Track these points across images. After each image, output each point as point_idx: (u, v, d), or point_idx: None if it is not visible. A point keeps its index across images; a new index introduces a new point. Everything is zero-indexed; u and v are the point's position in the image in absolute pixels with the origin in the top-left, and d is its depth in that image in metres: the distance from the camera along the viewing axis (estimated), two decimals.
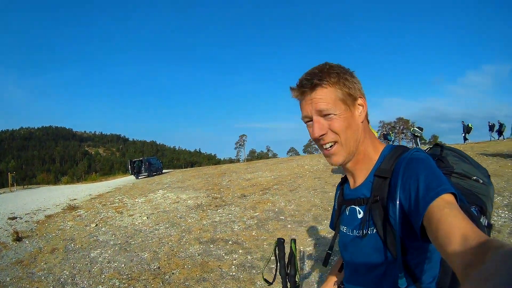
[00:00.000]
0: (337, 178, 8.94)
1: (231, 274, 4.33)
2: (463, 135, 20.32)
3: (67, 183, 31.40)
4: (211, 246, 5.36)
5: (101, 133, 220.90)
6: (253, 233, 5.72)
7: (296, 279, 1.40)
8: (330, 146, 0.90)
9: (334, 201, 1.17)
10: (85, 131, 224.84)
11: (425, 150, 0.94)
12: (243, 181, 11.13)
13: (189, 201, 9.02)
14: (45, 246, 6.32)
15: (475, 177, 1.06)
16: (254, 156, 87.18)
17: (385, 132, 22.53)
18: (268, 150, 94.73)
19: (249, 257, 4.77)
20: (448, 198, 0.70)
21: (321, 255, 4.44)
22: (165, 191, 11.47)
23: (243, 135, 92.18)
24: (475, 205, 1.06)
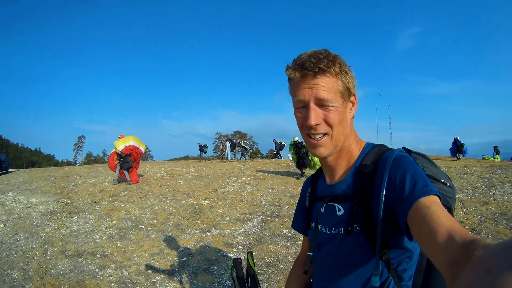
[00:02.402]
0: (185, 187, 9.15)
1: None
2: (275, 152, 22.37)
3: None
4: (80, 260, 4.43)
5: None
6: (118, 244, 5.12)
7: None
8: (320, 137, 0.87)
9: (302, 199, 1.12)
10: None
11: None
12: (90, 186, 9.71)
13: (40, 206, 7.48)
14: None
15: (443, 180, 1.06)
16: (90, 160, 77.21)
17: (201, 144, 22.53)
18: (104, 154, 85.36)
19: (124, 272, 4.31)
20: (433, 198, 0.70)
21: (200, 265, 4.59)
22: (15, 193, 9.16)
23: (82, 136, 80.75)
24: (444, 206, 1.11)
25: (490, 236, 4.90)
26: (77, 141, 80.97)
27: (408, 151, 1.07)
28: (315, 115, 0.84)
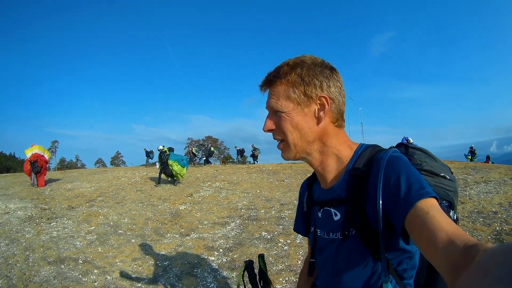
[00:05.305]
0: (160, 192, 9.15)
1: None
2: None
3: None
4: (62, 266, 4.40)
5: None
6: (99, 250, 5.11)
7: None
8: (279, 143, 0.90)
9: (301, 203, 1.11)
10: None
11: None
12: (65, 191, 9.65)
13: (19, 212, 7.39)
14: None
15: (442, 174, 1.03)
16: (64, 165, 73.07)
17: (147, 150, 22.39)
18: (77, 159, 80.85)
19: (108, 277, 4.35)
20: (431, 201, 0.68)
21: (183, 268, 4.72)
22: None
23: (55, 141, 76.43)
24: (445, 200, 1.04)
25: (468, 233, 5.24)
26: (51, 146, 77.35)
27: (405, 147, 1.08)
28: (266, 123, 0.89)
